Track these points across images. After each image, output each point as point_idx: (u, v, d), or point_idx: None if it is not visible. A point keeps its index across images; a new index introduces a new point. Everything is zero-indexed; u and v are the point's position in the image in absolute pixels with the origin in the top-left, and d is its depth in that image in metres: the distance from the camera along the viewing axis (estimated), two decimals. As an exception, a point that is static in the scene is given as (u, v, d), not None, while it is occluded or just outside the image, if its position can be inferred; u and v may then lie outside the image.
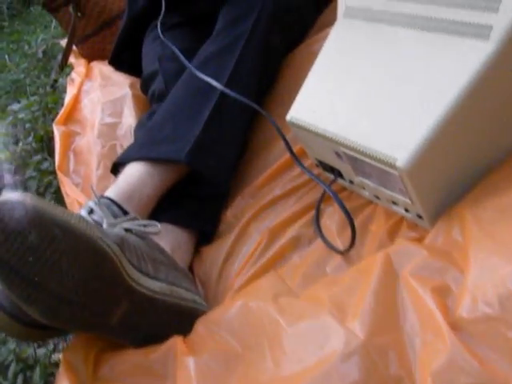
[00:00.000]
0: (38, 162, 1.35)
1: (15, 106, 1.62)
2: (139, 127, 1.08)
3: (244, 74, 0.96)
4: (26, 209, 0.59)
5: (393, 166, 0.65)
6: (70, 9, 1.95)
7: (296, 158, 0.83)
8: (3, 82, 2.24)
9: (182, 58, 0.95)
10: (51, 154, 1.51)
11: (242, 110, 0.94)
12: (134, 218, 0.77)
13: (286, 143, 0.83)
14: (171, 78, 1.10)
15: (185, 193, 0.89)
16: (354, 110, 0.72)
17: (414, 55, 0.69)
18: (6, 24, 3.59)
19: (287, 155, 0.93)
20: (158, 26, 1.07)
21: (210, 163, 0.87)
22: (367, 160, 0.69)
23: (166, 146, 0.86)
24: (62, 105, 1.63)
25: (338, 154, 0.75)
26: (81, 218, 0.64)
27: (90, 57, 2.03)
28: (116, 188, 0.83)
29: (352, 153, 0.71)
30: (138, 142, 0.92)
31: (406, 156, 0.63)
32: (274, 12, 1.03)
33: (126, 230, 0.75)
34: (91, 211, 0.78)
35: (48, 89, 1.94)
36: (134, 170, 0.86)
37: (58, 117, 1.40)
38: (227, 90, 0.86)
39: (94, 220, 0.76)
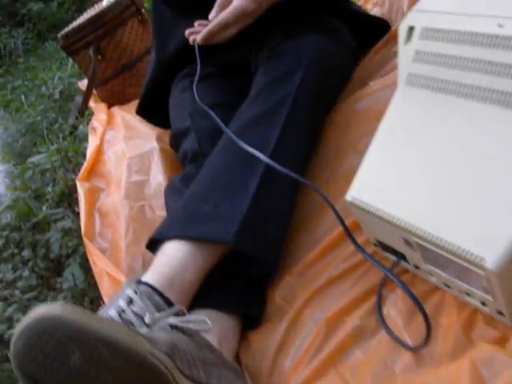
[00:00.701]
0: (61, 220, 1.27)
1: (35, 158, 1.56)
2: (172, 193, 1.01)
3: (291, 140, 0.89)
4: (67, 324, 0.52)
5: (479, 266, 0.57)
6: (90, 52, 1.91)
7: (352, 238, 0.75)
8: (20, 125, 2.19)
9: (221, 125, 0.88)
10: (72, 205, 1.44)
11: (290, 180, 0.87)
12: (180, 312, 0.70)
13: (339, 217, 0.75)
14: (205, 137, 1.04)
15: (229, 273, 0.82)
16: (427, 194, 0.64)
17: (493, 135, 0.62)
18: (21, 60, 3.57)
19: (338, 228, 0.85)
20: (194, 87, 1.00)
21: (259, 243, 0.80)
22: (445, 254, 0.61)
23: (209, 225, 0.79)
24: (84, 155, 1.57)
25: (406, 241, 0.68)
26: (128, 330, 0.57)
27: (109, 100, 1.99)
28: (156, 272, 0.76)
29: (426, 244, 0.63)
30: (177, 216, 0.84)
31: (497, 256, 0.55)
32: (320, 69, 0.96)
33: (172, 326, 0.67)
34: (130, 301, 0.70)
35: (66, 133, 1.89)
36: (175, 250, 0.78)
37: (81, 172, 1.33)
38: (274, 164, 0.78)
39: (134, 312, 0.69)
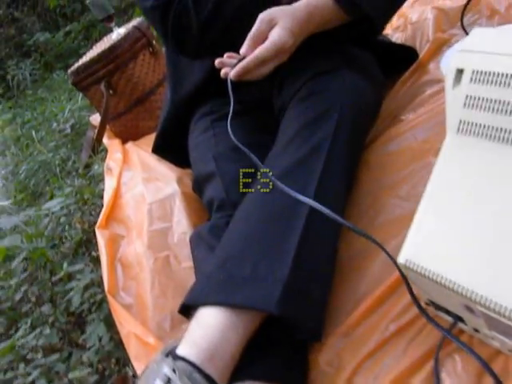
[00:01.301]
0: (81, 272, 1.22)
1: (50, 204, 1.51)
2: (200, 244, 0.94)
3: (330, 187, 0.83)
4: None
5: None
6: (102, 87, 1.87)
7: (414, 298, 0.68)
8: (31, 162, 2.15)
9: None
10: (90, 250, 1.39)
11: (332, 232, 0.81)
12: (223, 392, 0.64)
13: (403, 276, 0.67)
14: (232, 183, 0.98)
15: (269, 340, 0.75)
16: (490, 257, 0.58)
17: None
18: (29, 92, 3.54)
19: (383, 283, 0.79)
20: (229, 126, 0.94)
21: (303, 309, 0.73)
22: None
23: (249, 290, 0.73)
24: (100, 196, 1.52)
25: (467, 307, 0.62)
26: None
27: (122, 134, 1.95)
28: (194, 345, 0.70)
29: (493, 314, 0.57)
30: (212, 279, 0.77)
31: None
32: (355, 110, 0.91)
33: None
34: (168, 381, 0.65)
35: (80, 172, 1.85)
36: (213, 319, 0.72)
37: (100, 219, 1.28)
38: (320, 207, 0.70)
39: (172, 393, 0.63)
